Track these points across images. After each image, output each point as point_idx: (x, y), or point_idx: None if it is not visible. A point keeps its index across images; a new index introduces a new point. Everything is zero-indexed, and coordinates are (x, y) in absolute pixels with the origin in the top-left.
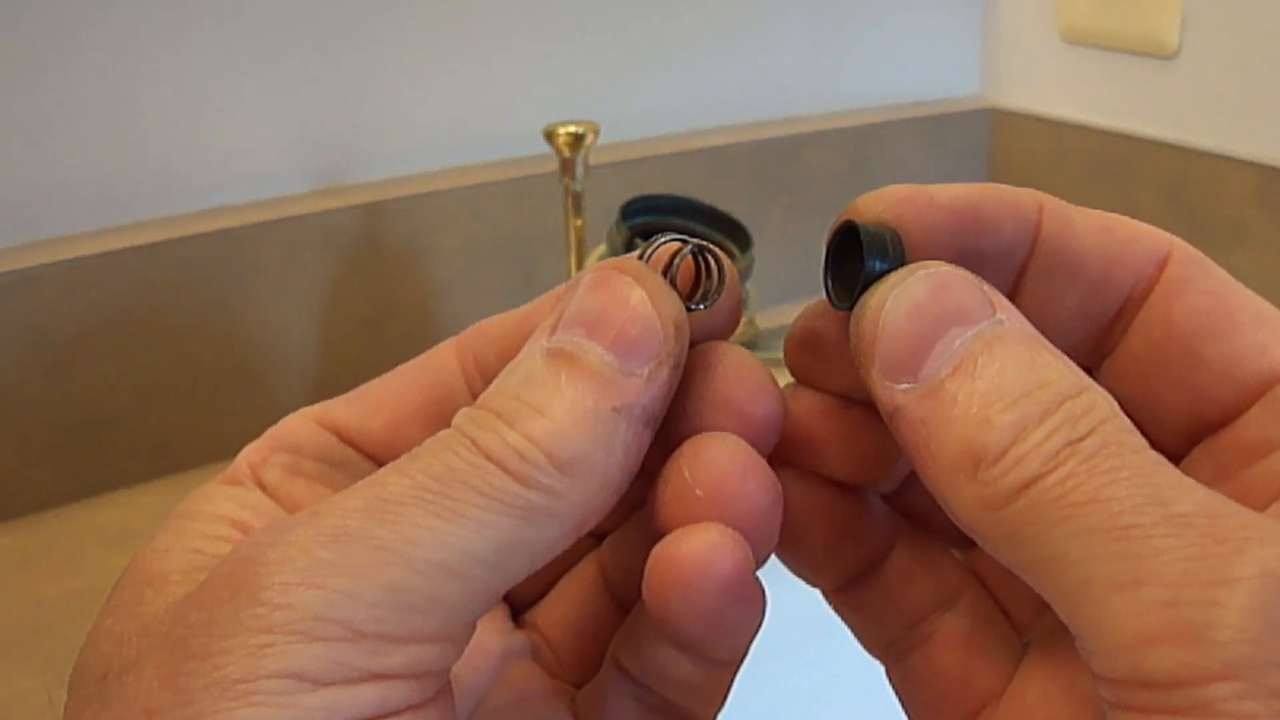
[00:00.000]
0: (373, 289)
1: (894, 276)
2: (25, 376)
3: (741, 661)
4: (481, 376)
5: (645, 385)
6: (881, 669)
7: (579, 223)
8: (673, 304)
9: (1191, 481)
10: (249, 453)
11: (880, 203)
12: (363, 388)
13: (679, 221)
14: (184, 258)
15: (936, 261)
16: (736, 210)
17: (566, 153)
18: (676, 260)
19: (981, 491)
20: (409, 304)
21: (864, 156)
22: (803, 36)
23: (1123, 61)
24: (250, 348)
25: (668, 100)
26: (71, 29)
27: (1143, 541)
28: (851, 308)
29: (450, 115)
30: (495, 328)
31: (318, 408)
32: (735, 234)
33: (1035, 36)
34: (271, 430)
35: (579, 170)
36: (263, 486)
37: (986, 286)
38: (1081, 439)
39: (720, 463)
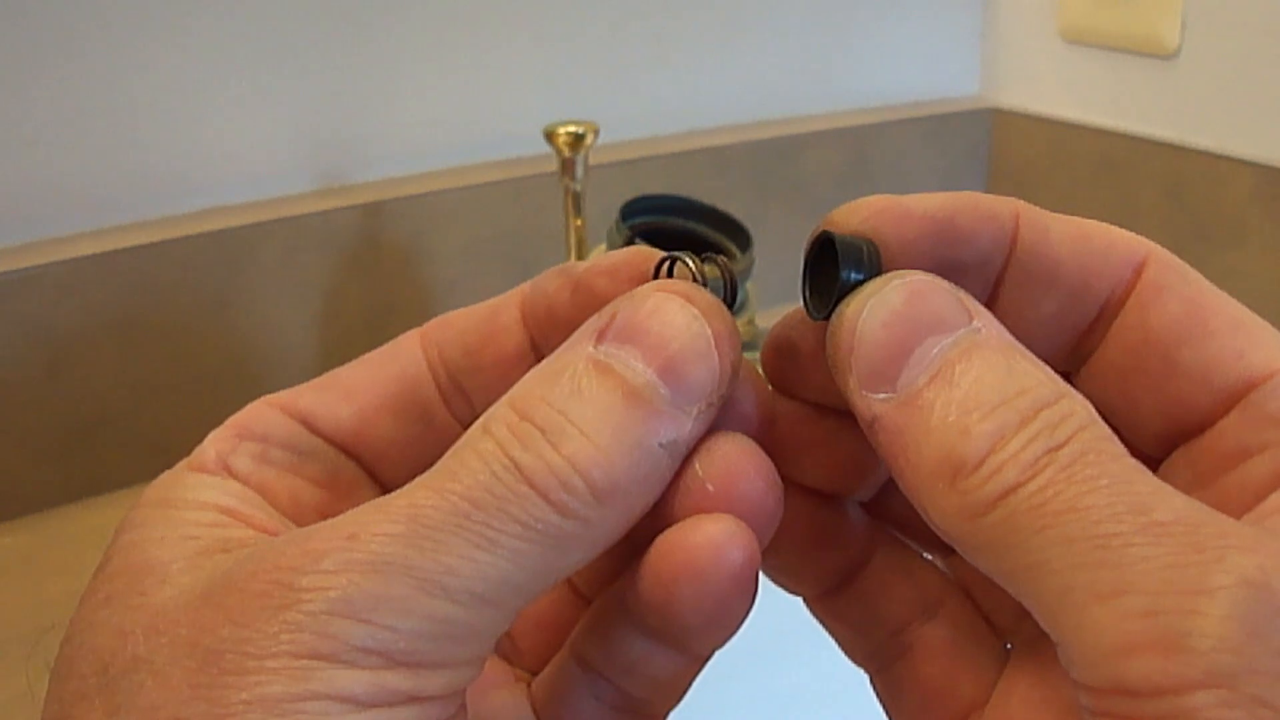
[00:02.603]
0: (373, 289)
1: (869, 286)
2: (25, 376)
3: (709, 658)
4: (445, 369)
5: (693, 424)
6: None
7: (579, 223)
8: (734, 348)
9: (1170, 489)
10: (216, 441)
11: (857, 214)
12: (328, 376)
13: (679, 222)
14: (184, 258)
15: (912, 271)
16: (736, 210)
17: (566, 153)
18: (729, 289)
19: (961, 501)
20: (409, 304)
21: (864, 156)
22: (803, 36)
23: (1123, 61)
24: (250, 348)
25: (668, 100)
26: (70, 29)
27: (1122, 550)
28: (828, 318)
29: (450, 115)
30: (460, 321)
31: (283, 395)
32: (735, 234)
33: (1035, 36)
34: (236, 418)
35: (579, 170)
36: (233, 475)
37: (963, 294)
38: (1059, 447)
39: (733, 458)
